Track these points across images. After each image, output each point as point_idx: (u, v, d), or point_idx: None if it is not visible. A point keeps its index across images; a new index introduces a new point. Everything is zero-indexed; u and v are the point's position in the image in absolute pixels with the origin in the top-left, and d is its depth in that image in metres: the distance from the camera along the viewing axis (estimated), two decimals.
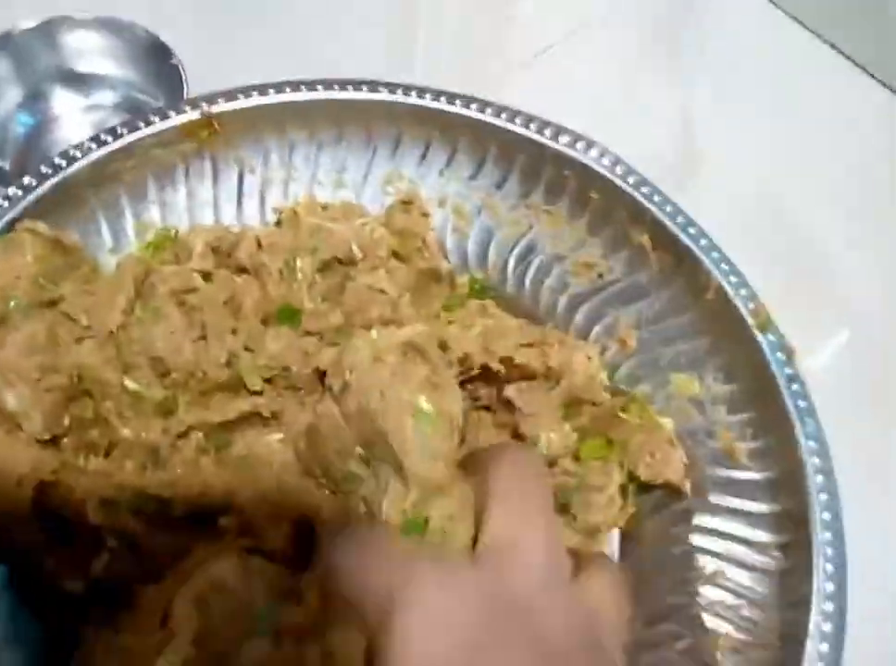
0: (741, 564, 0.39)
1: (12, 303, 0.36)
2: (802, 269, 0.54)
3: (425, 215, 0.46)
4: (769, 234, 0.52)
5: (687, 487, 0.40)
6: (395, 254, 0.44)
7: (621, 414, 0.42)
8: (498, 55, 0.65)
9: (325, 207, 0.46)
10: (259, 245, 0.41)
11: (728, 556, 0.39)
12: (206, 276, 0.41)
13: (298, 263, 0.40)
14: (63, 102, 0.55)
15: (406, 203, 0.46)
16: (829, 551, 0.36)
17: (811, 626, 0.35)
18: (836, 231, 0.57)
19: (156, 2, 0.61)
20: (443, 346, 0.38)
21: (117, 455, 0.37)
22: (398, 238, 0.44)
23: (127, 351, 0.37)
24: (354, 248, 0.43)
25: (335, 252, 0.42)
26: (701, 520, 0.41)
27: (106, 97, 0.56)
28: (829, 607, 0.35)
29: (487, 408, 0.41)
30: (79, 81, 0.55)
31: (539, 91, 0.47)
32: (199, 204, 0.45)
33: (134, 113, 0.53)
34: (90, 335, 0.37)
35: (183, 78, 0.53)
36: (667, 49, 0.66)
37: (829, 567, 0.36)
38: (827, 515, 0.37)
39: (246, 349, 0.38)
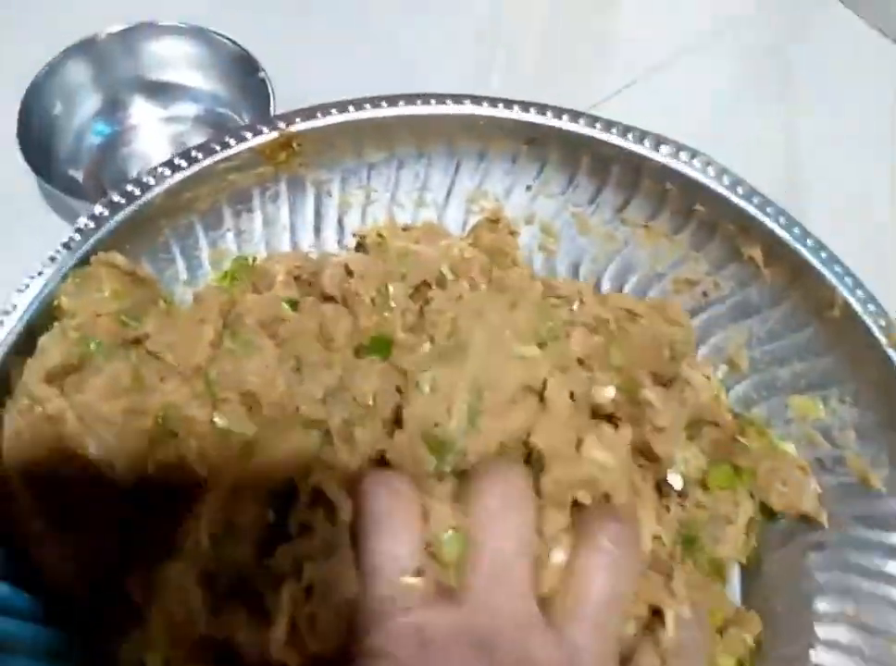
0: (881, 600, 0.36)
1: (92, 345, 0.33)
2: None
3: (513, 232, 0.44)
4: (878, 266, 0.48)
5: (824, 517, 0.37)
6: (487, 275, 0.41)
7: (740, 439, 0.39)
8: (588, 80, 0.63)
9: (406, 229, 0.43)
10: (349, 272, 0.38)
11: (864, 592, 0.36)
12: (293, 305, 0.38)
13: (391, 289, 0.38)
14: (141, 112, 0.53)
15: (493, 222, 0.44)
16: None
17: None
18: None
19: (245, 13, 0.59)
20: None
21: None
22: (487, 257, 0.42)
23: (217, 386, 0.34)
24: (445, 269, 0.40)
25: (425, 275, 0.39)
26: (836, 553, 0.37)
27: (188, 110, 0.53)
28: None
29: (609, 418, 0.37)
30: (159, 91, 0.53)
31: (634, 114, 0.43)
32: (276, 231, 0.43)
33: (216, 127, 0.51)
34: (176, 372, 0.34)
35: (271, 93, 0.51)
36: (772, 75, 0.63)
37: None
38: None
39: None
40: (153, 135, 0.53)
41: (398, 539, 0.28)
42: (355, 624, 0.28)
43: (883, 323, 0.38)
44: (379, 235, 0.40)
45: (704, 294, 0.43)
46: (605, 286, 0.44)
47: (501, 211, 0.44)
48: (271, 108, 0.50)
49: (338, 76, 0.56)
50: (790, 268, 0.40)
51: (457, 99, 0.42)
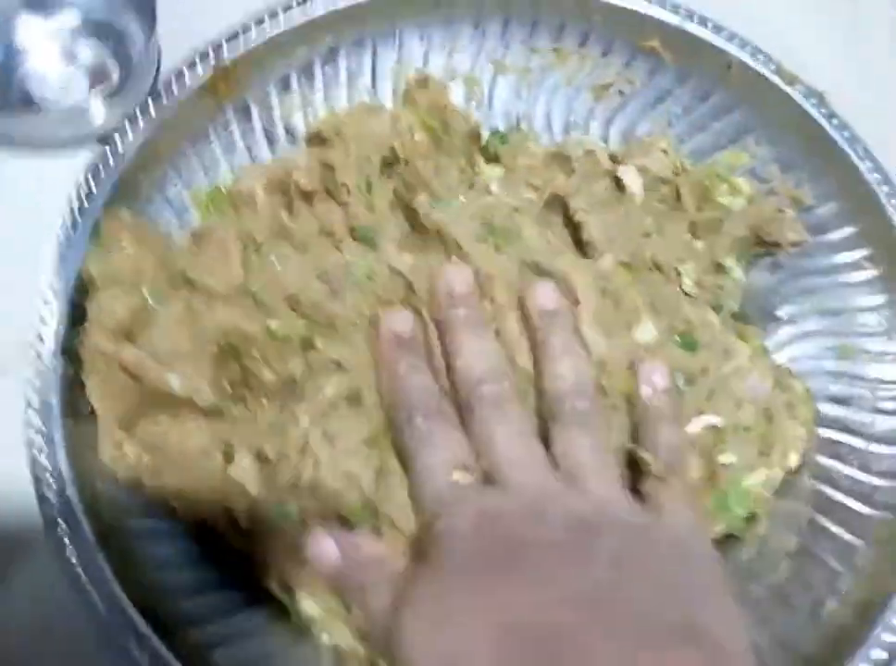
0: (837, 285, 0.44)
1: (145, 291, 0.37)
2: None
3: (442, 86, 0.48)
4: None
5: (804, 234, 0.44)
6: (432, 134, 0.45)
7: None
8: None
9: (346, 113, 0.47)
10: (326, 166, 0.42)
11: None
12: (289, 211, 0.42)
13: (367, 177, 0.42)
14: (25, 27, 0.49)
15: (421, 83, 0.47)
16: None
17: None
18: None
19: None
20: None
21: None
22: (426, 116, 0.46)
23: (263, 298, 0.38)
24: (397, 145, 0.44)
25: (383, 153, 0.44)
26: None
27: (70, 19, 0.49)
28: None
29: None
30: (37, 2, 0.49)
31: None
32: (237, 155, 0.46)
33: (101, 37, 0.49)
34: (220, 297, 0.38)
35: None
36: None
37: None
38: None
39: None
40: (43, 51, 0.49)
41: (441, 451, 0.34)
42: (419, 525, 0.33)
43: (773, 67, 0.45)
44: (335, 127, 0.43)
45: (621, 93, 0.49)
46: (535, 111, 0.49)
47: (424, 73, 0.48)
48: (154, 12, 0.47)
49: None
50: (686, 48, 0.46)
51: None
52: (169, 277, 0.38)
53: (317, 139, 0.44)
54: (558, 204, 0.45)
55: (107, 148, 0.41)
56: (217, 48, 0.44)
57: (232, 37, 0.44)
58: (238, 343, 0.38)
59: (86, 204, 0.40)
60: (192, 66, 0.44)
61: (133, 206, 0.42)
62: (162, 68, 0.46)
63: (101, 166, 0.40)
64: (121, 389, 0.37)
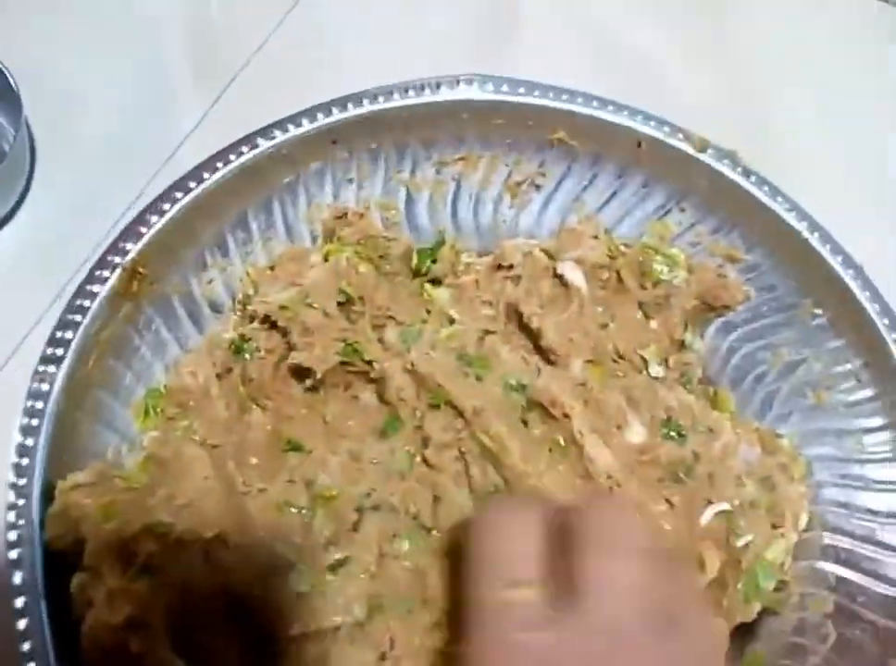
0: None
1: None
2: None
3: (362, 215, 0.46)
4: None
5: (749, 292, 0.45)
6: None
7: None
8: None
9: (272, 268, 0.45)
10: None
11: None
12: None
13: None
14: None
15: (339, 217, 0.46)
16: None
17: None
18: None
19: None
20: None
21: None
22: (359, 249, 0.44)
23: None
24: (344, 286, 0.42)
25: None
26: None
27: None
28: None
29: None
30: None
31: None
32: (167, 352, 0.42)
33: None
34: None
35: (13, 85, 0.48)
36: None
37: None
38: None
39: None
40: None
41: (512, 543, 0.30)
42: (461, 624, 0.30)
43: (681, 136, 0.46)
44: (282, 306, 0.41)
45: (537, 187, 0.48)
46: (462, 215, 0.48)
47: (343, 207, 0.46)
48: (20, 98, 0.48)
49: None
50: (593, 133, 0.46)
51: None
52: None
53: (265, 321, 0.41)
54: (513, 313, 0.44)
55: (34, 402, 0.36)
56: (117, 247, 0.40)
57: (129, 232, 0.40)
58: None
59: (31, 471, 0.35)
60: (95, 274, 0.39)
61: (75, 448, 0.38)
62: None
63: (32, 424, 0.36)
64: None
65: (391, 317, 0.43)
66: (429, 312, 0.45)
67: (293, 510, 0.38)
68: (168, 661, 0.33)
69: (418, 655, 0.35)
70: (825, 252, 0.44)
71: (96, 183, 0.50)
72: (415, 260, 0.46)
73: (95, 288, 0.39)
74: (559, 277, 0.45)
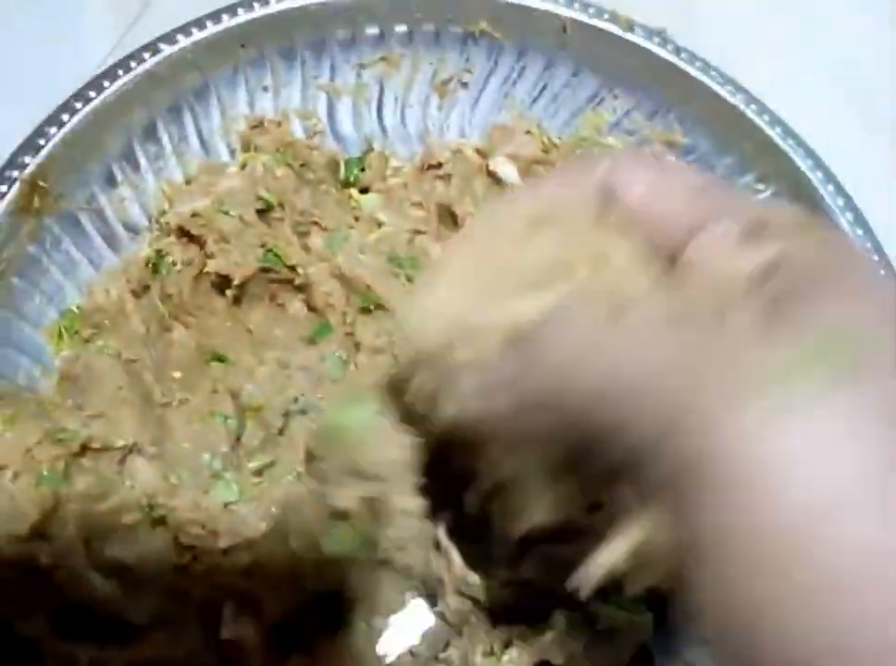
0: None
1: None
2: None
3: (279, 123, 0.44)
4: None
5: None
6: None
7: None
8: None
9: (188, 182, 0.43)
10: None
11: None
12: None
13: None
14: None
15: (255, 126, 0.44)
16: None
17: None
18: None
19: None
20: None
21: None
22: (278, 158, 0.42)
23: None
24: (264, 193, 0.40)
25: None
26: None
27: None
28: None
29: None
30: None
31: None
32: (79, 270, 0.40)
33: None
34: None
35: None
36: None
37: None
38: None
39: None
40: None
41: None
42: None
43: (606, 17, 0.44)
44: (195, 214, 0.39)
45: (463, 84, 0.46)
46: (389, 120, 0.46)
47: (253, 117, 0.44)
48: None
49: None
50: (516, 23, 0.44)
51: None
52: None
53: (180, 233, 0.39)
54: (446, 213, 0.42)
55: None
56: (16, 161, 0.38)
57: (29, 144, 0.38)
58: None
59: None
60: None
61: None
62: None
63: None
64: None
65: (315, 223, 0.41)
66: (357, 219, 0.43)
67: (218, 419, 0.36)
68: (81, 574, 0.31)
69: None
70: (762, 122, 0.42)
71: (4, 115, 0.48)
72: (342, 170, 0.45)
73: None
74: (492, 175, 0.43)
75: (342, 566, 0.32)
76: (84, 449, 0.32)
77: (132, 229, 0.42)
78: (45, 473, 0.31)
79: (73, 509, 0.31)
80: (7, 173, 0.38)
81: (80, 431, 0.32)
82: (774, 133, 0.41)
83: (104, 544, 0.31)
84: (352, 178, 0.44)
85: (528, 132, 0.44)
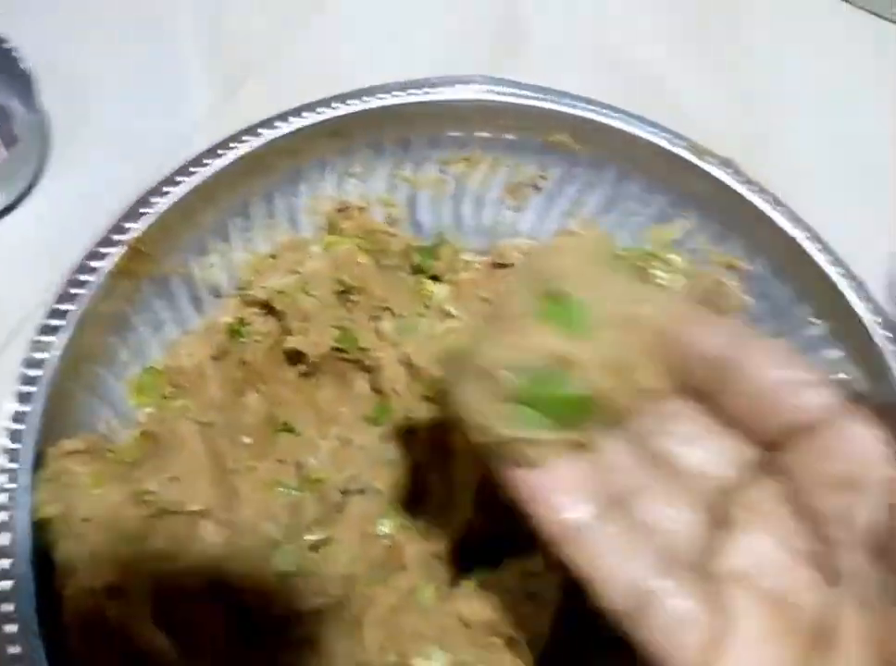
0: None
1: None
2: None
3: (361, 209, 0.47)
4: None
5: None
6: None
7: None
8: None
9: (273, 256, 0.45)
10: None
11: None
12: None
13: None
14: None
15: (341, 210, 0.46)
16: None
17: None
18: None
19: None
20: None
21: None
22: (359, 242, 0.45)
23: None
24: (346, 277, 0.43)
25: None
26: None
27: None
28: None
29: None
30: None
31: None
32: (167, 331, 0.43)
33: None
34: None
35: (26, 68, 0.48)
36: None
37: None
38: None
39: None
40: None
41: None
42: None
43: (683, 143, 0.46)
44: (280, 291, 0.41)
45: (537, 187, 0.49)
46: (464, 214, 0.49)
47: (339, 200, 0.46)
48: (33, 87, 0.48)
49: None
50: (596, 137, 0.46)
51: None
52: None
53: (263, 306, 0.42)
54: None
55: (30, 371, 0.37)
56: (121, 227, 0.41)
57: (132, 212, 0.41)
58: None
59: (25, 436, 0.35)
60: (97, 251, 0.40)
61: (69, 420, 0.38)
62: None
63: (27, 391, 0.36)
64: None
65: (387, 309, 0.44)
66: (427, 307, 0.45)
67: (282, 489, 0.38)
68: (147, 631, 0.32)
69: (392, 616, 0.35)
70: (823, 262, 0.44)
71: (107, 172, 0.51)
72: (416, 257, 0.47)
73: (96, 263, 0.39)
74: None
75: None
76: (163, 511, 0.34)
77: (216, 293, 0.44)
78: (126, 532, 0.33)
79: (146, 568, 0.33)
80: (112, 237, 0.40)
81: (161, 494, 0.34)
82: (834, 273, 0.43)
83: (173, 605, 0.33)
84: (424, 266, 0.47)
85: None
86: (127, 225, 0.41)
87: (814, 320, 0.44)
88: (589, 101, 0.46)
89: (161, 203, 0.41)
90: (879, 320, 0.42)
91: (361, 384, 0.43)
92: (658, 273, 0.46)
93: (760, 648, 0.22)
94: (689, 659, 0.22)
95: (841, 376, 0.43)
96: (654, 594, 0.23)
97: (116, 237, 0.40)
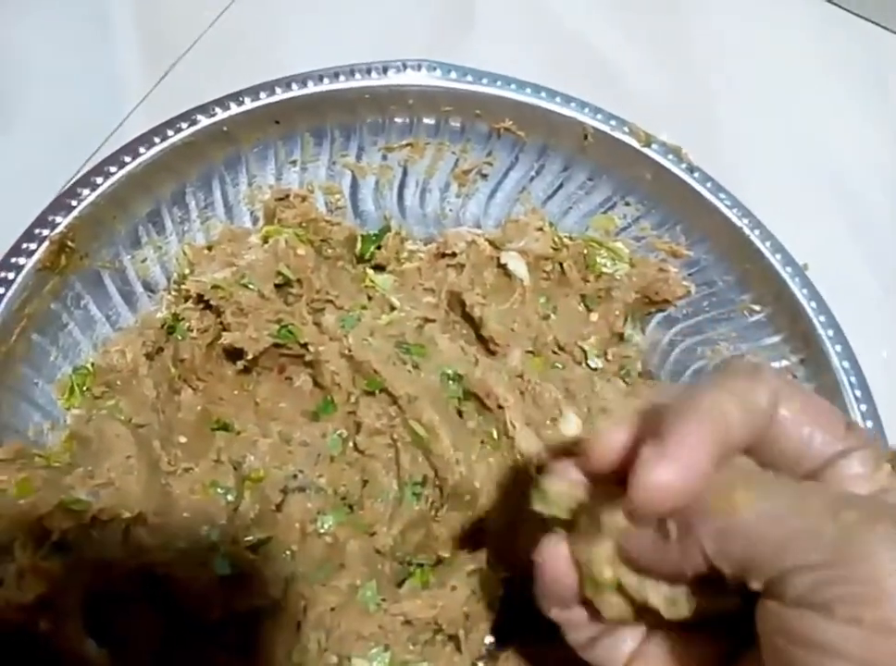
0: None
1: None
2: None
3: (304, 198, 0.45)
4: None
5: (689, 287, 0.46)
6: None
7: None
8: None
9: (210, 247, 0.44)
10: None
11: None
12: None
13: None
14: None
15: (281, 199, 0.45)
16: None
17: None
18: None
19: None
20: None
21: None
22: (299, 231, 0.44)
23: None
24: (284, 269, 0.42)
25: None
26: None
27: None
28: None
29: None
30: None
31: None
32: (98, 329, 0.41)
33: None
34: None
35: None
36: None
37: None
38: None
39: None
40: None
41: None
42: None
43: (627, 129, 0.46)
44: (215, 286, 0.40)
45: (483, 175, 0.48)
46: (409, 202, 0.47)
47: (279, 189, 0.45)
48: None
49: None
50: (539, 123, 0.46)
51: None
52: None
53: (198, 301, 0.40)
54: (455, 301, 0.44)
55: None
56: (46, 219, 0.39)
57: (59, 205, 0.39)
58: None
59: None
60: (21, 247, 0.38)
61: None
62: None
63: None
64: None
65: (330, 301, 0.43)
66: (370, 298, 0.44)
67: (220, 490, 0.37)
68: (77, 641, 0.32)
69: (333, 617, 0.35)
70: (765, 249, 0.44)
71: (33, 162, 0.49)
72: (359, 246, 0.46)
73: (21, 260, 0.38)
74: (502, 267, 0.45)
75: None
76: (94, 520, 0.33)
77: (151, 289, 0.43)
78: (56, 543, 0.32)
79: (78, 578, 0.32)
80: (37, 231, 0.39)
81: (92, 502, 0.33)
82: (774, 260, 0.44)
83: (107, 613, 0.32)
84: (367, 255, 0.46)
85: (541, 229, 0.46)
86: (53, 218, 0.39)
87: (754, 307, 0.44)
88: (534, 86, 0.46)
89: (90, 195, 0.40)
90: (815, 305, 0.43)
91: (302, 379, 0.42)
92: (602, 260, 0.46)
93: None
94: None
95: (784, 363, 0.44)
96: None
97: (40, 231, 0.39)
